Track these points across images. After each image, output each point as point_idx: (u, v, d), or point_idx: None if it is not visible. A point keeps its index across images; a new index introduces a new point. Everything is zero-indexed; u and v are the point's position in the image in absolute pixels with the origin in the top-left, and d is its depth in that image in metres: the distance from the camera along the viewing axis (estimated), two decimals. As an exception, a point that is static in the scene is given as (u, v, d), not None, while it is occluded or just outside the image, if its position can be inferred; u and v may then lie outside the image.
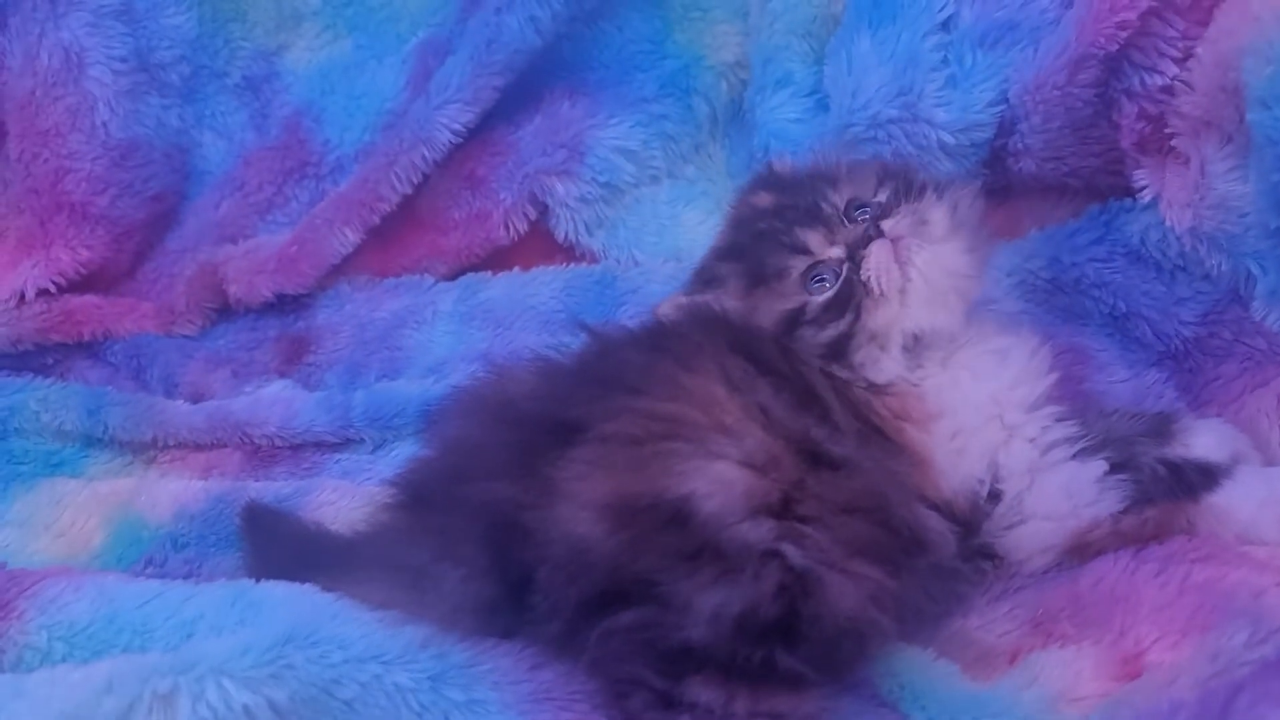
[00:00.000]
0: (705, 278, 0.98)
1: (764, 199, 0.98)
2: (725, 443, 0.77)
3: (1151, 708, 0.70)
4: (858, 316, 0.89)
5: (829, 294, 0.89)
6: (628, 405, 0.79)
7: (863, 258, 0.88)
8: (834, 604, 0.75)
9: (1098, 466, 0.87)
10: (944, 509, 0.87)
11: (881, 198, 0.92)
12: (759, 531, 0.74)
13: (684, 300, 0.95)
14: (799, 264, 0.91)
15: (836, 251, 0.90)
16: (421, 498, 0.87)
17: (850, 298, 0.89)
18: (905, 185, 0.92)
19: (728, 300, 0.93)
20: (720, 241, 1.02)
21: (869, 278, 0.88)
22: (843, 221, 0.91)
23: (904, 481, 0.84)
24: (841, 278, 0.89)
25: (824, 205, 0.92)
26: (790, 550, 0.74)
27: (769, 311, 0.91)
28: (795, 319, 0.90)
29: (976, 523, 0.88)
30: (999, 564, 0.89)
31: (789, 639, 0.73)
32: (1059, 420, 0.90)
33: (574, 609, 0.75)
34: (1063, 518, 0.88)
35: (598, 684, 0.76)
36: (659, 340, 0.87)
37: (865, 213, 0.91)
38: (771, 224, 0.93)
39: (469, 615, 0.80)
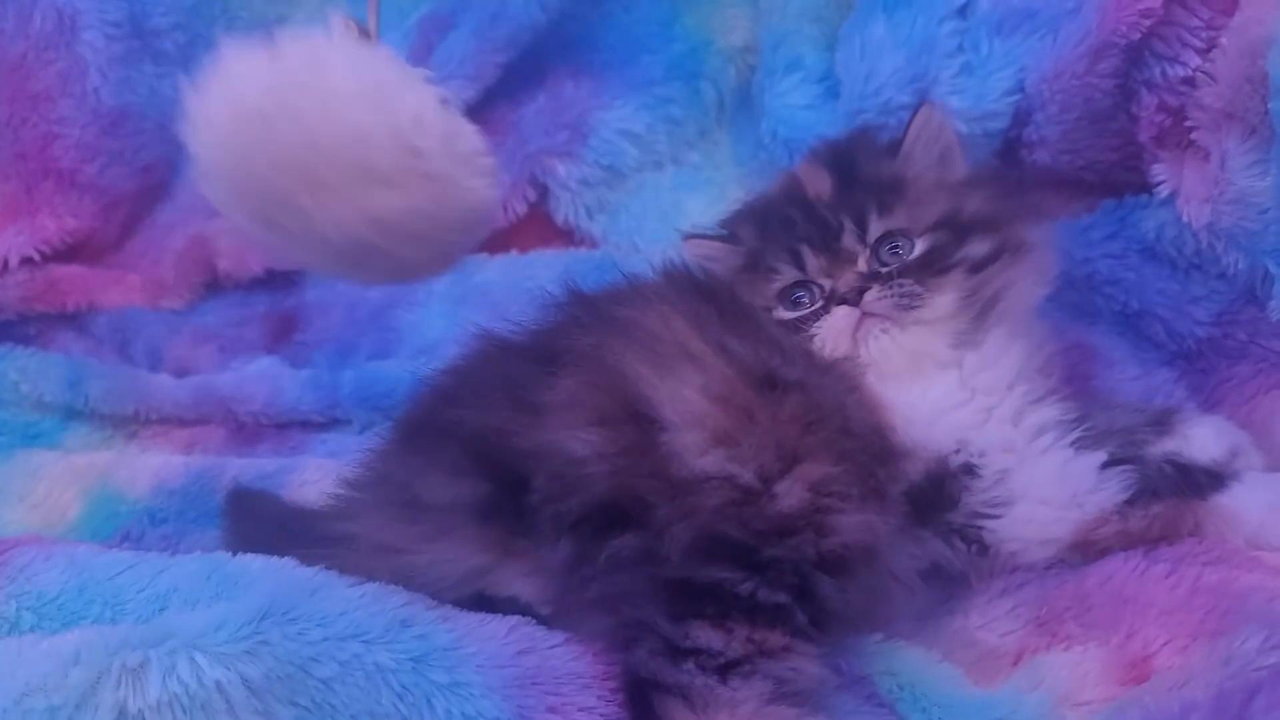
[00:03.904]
0: (728, 228, 1.01)
1: (821, 183, 0.97)
2: (691, 369, 0.82)
3: (1163, 708, 0.69)
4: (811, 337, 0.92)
5: (790, 314, 0.93)
6: (607, 333, 0.85)
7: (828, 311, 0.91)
8: (783, 506, 0.77)
9: (1097, 457, 0.87)
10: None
11: (918, 250, 0.92)
12: (713, 460, 0.78)
13: (700, 238, 1.01)
14: (788, 276, 0.94)
15: (825, 284, 0.93)
16: (410, 430, 0.91)
17: (809, 323, 0.92)
18: (949, 244, 0.91)
19: (729, 259, 0.97)
20: (761, 198, 1.04)
21: (817, 334, 0.91)
22: (858, 250, 0.92)
23: (861, 392, 0.87)
24: (813, 307, 0.93)
25: (847, 233, 0.93)
26: (736, 470, 0.78)
27: (745, 292, 0.95)
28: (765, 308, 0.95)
29: (952, 493, 0.86)
30: (984, 553, 0.87)
31: (760, 567, 0.75)
32: (1036, 401, 0.89)
33: (577, 523, 0.77)
34: (1063, 506, 0.87)
35: (607, 627, 0.77)
36: (634, 289, 0.93)
37: (896, 249, 0.92)
38: (798, 217, 0.95)
39: (466, 518, 0.81)
